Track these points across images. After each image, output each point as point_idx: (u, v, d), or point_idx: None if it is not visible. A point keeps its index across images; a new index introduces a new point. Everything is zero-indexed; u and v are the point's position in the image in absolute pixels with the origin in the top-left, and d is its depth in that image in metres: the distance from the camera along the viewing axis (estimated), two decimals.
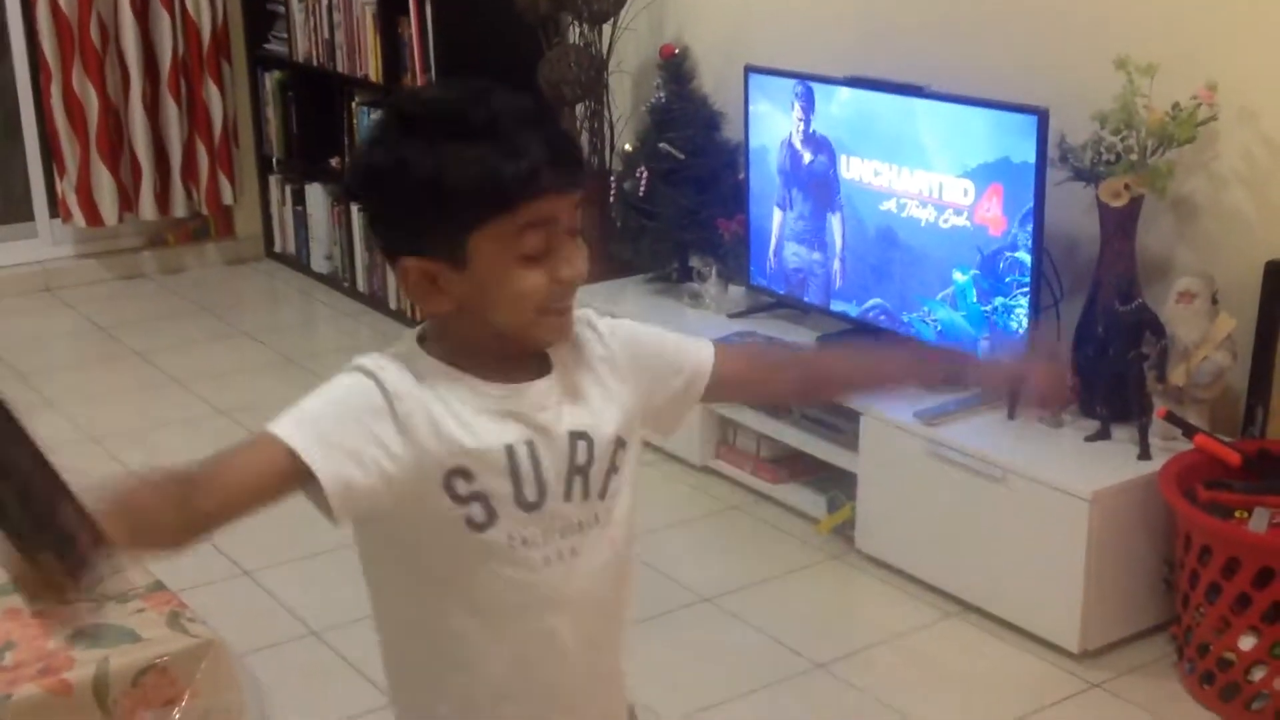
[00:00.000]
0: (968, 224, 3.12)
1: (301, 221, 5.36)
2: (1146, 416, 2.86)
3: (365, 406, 1.28)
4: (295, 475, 1.25)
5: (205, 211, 5.39)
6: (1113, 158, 2.85)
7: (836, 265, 3.50)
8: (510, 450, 1.32)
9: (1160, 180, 2.82)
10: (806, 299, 3.61)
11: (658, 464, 3.74)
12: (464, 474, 1.30)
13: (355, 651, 2.83)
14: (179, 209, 5.32)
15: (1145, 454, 2.83)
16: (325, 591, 3.05)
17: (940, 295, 3.22)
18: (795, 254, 3.61)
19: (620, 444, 1.40)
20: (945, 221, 3.18)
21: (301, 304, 5.25)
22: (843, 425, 3.29)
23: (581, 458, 1.36)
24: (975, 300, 3.14)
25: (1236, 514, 2.64)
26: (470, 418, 1.31)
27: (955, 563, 3.03)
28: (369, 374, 1.30)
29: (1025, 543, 2.86)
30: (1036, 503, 2.82)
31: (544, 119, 1.31)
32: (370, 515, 1.31)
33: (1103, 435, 2.90)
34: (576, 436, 1.36)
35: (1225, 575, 2.55)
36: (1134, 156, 2.83)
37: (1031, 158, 2.92)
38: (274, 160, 5.46)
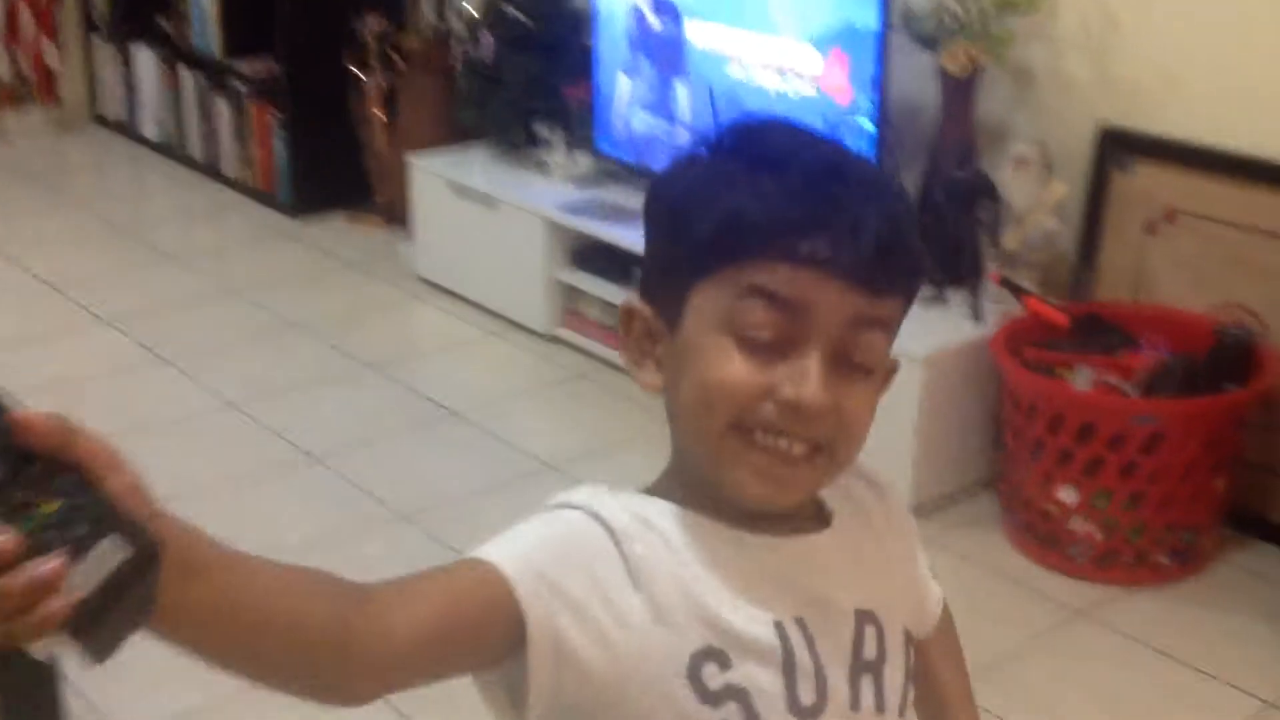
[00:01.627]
0: (812, 90, 3.12)
1: (129, 85, 5.13)
2: (980, 280, 2.92)
3: (589, 547, 0.92)
4: (502, 611, 0.88)
5: (28, 75, 5.13)
6: (955, 25, 2.86)
7: (683, 131, 3.48)
8: (780, 630, 0.95)
9: (1000, 48, 2.85)
10: (653, 165, 3.59)
11: (502, 333, 3.73)
12: (718, 659, 0.92)
13: None
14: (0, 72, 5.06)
15: (978, 317, 2.90)
16: None
17: None
18: (642, 120, 3.58)
19: (909, 643, 1.04)
20: (790, 88, 3.17)
21: (131, 172, 5.06)
22: None
23: (870, 650, 0.99)
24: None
25: (1061, 373, 2.74)
26: (728, 580, 0.94)
27: None
28: (584, 509, 0.94)
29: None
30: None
31: (868, 192, 0.92)
32: (571, 708, 0.91)
33: (938, 299, 2.97)
34: (865, 618, 0.99)
35: (1049, 432, 2.65)
36: (975, 24, 2.85)
37: (874, 23, 2.92)
38: (99, 21, 5.20)
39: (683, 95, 3.45)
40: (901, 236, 0.93)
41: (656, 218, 0.99)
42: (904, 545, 1.09)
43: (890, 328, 0.94)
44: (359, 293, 4.03)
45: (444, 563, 0.92)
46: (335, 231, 4.42)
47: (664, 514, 0.95)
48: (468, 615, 0.88)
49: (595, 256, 3.55)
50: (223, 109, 4.73)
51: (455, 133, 4.04)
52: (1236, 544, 2.80)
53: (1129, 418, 2.57)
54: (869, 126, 3.00)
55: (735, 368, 0.91)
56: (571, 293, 3.63)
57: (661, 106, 3.52)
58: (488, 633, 0.88)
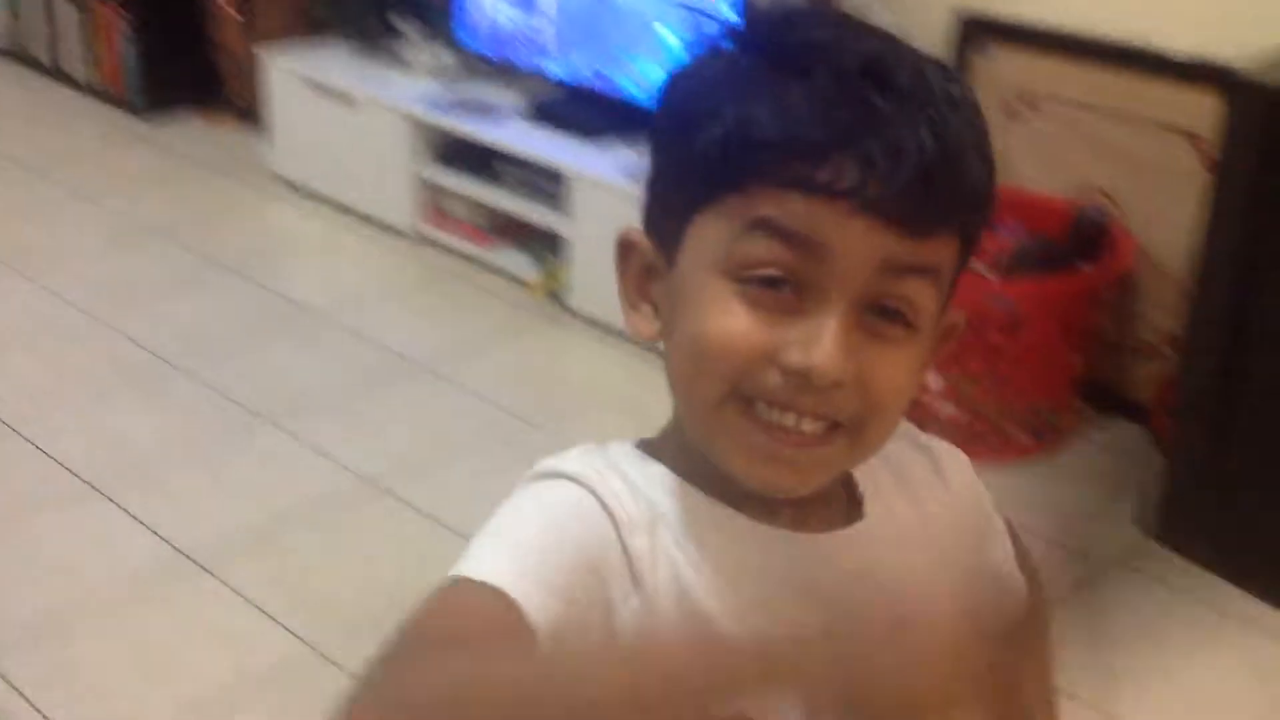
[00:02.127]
0: None
1: None
2: None
3: (593, 540, 0.77)
4: (525, 644, 0.72)
5: None
6: None
7: (546, 25, 3.40)
8: (798, 645, 0.78)
9: None
10: (516, 60, 3.51)
11: (366, 232, 3.65)
12: None
13: None
14: None
15: None
16: None
17: (648, 54, 3.18)
18: (504, 13, 3.49)
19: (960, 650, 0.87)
20: None
21: None
22: (552, 187, 3.26)
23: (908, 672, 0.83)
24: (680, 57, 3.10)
25: None
26: (736, 581, 0.79)
27: None
28: (582, 485, 0.79)
29: None
30: None
31: (917, 102, 0.73)
32: None
33: None
34: (900, 625, 0.83)
35: None
36: None
37: None
38: None
39: None
40: (956, 161, 0.73)
41: (661, 126, 0.80)
42: (968, 531, 0.90)
43: (940, 275, 0.76)
44: (216, 194, 3.91)
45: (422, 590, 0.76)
46: (189, 132, 4.27)
47: (667, 488, 0.80)
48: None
49: (460, 153, 3.47)
50: (66, 8, 4.51)
51: (310, 25, 3.90)
52: (1094, 421, 2.87)
53: (988, 300, 2.60)
54: (731, 15, 2.96)
55: (734, 321, 0.74)
56: (436, 190, 3.56)
57: None
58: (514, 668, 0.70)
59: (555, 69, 3.41)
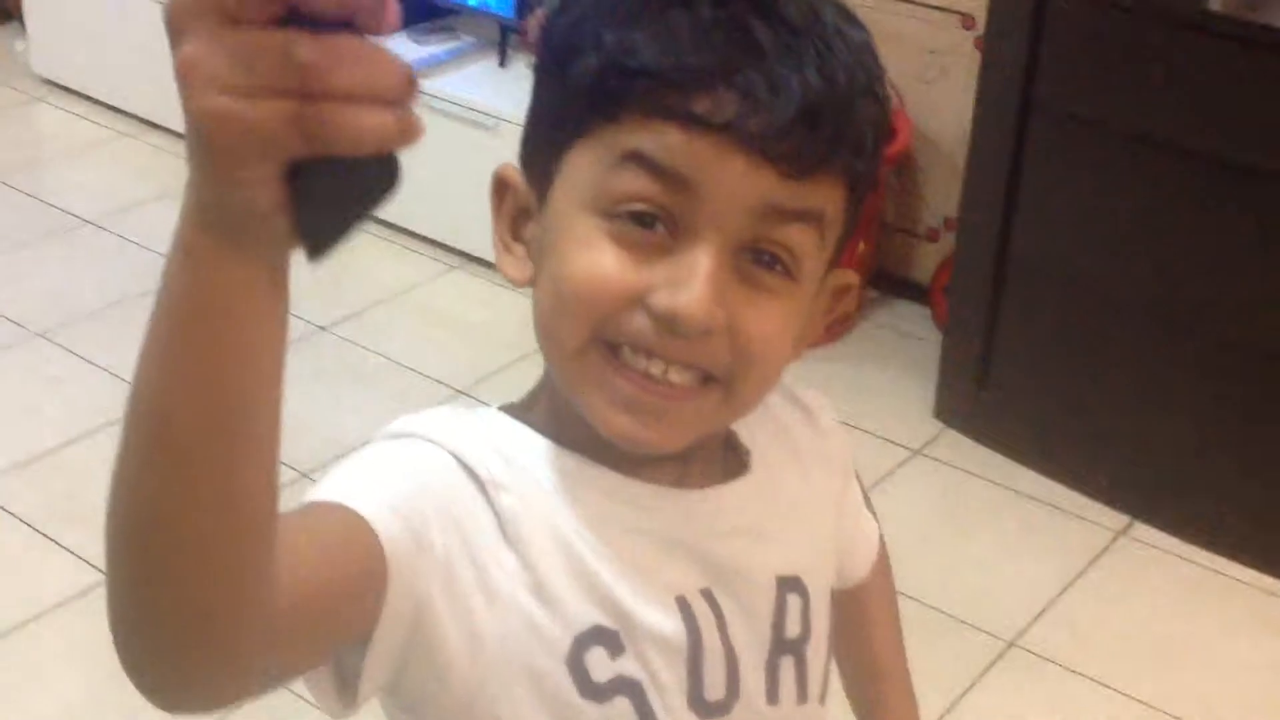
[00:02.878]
0: None
1: None
2: None
3: (453, 493, 0.72)
4: (375, 574, 0.67)
5: None
6: None
7: None
8: (684, 607, 0.76)
9: None
10: None
11: (137, 133, 3.48)
12: (607, 642, 0.74)
13: None
14: None
15: None
16: None
17: None
18: None
19: (831, 607, 0.86)
20: None
21: None
22: None
23: (794, 626, 0.81)
24: None
25: None
26: (619, 544, 0.75)
27: (454, 215, 3.02)
28: (439, 444, 0.73)
29: None
30: None
31: (805, 35, 0.70)
32: (423, 694, 0.72)
33: None
34: (788, 586, 0.81)
35: None
36: None
37: None
38: None
39: None
40: (844, 100, 0.70)
41: (541, 58, 0.77)
42: (836, 479, 0.89)
43: (824, 222, 0.72)
44: None
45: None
46: None
47: (537, 453, 0.75)
48: (347, 578, 0.66)
49: None
50: None
51: None
52: (880, 304, 2.94)
53: None
54: None
55: (600, 259, 0.70)
56: None
57: None
58: (362, 600, 0.66)
59: None
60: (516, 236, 0.77)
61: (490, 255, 2.67)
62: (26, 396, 2.55)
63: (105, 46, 3.50)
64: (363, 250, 3.12)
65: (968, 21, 2.68)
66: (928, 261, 2.91)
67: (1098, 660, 2.10)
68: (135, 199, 3.24)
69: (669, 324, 0.69)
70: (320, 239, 0.51)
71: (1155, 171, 2.19)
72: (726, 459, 0.82)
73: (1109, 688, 2.05)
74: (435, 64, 2.99)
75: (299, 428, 2.45)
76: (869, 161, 0.73)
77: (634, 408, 0.71)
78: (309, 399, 2.57)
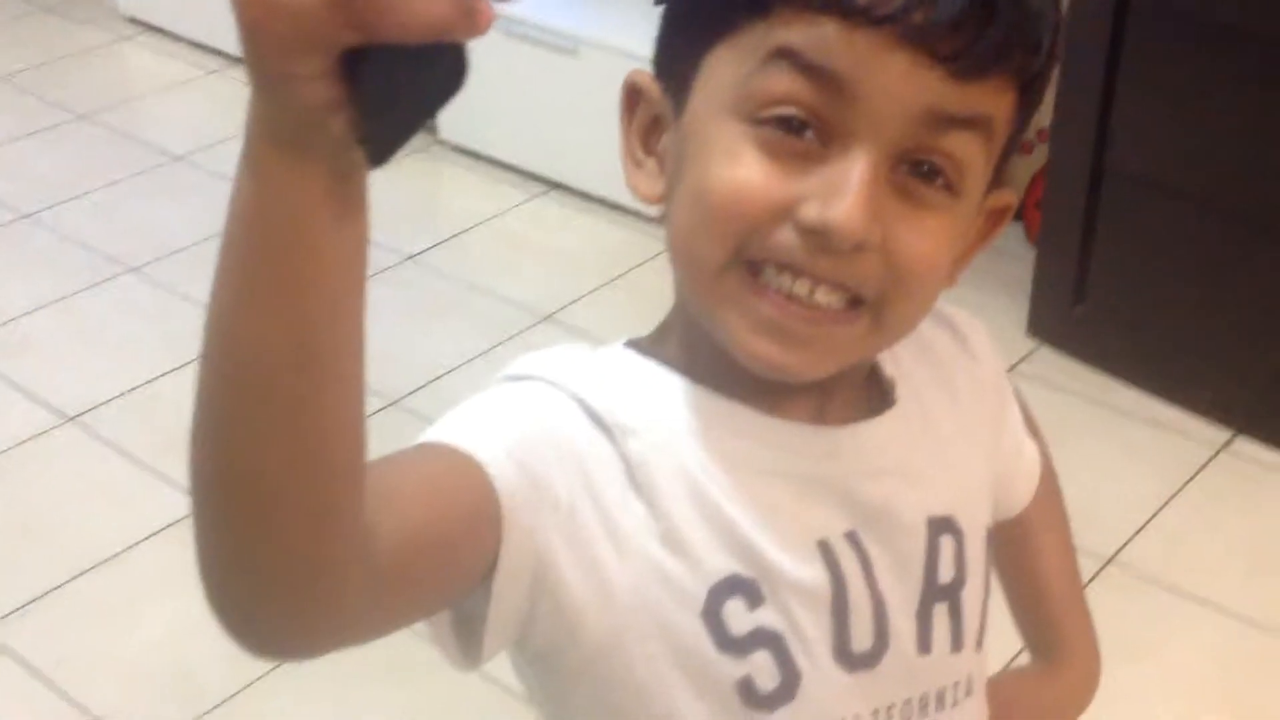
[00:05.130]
0: None
1: None
2: None
3: (577, 438, 0.67)
4: (486, 517, 0.63)
5: None
6: None
7: None
8: (827, 552, 0.71)
9: None
10: None
11: (224, 69, 3.50)
12: (746, 592, 0.68)
13: None
14: None
15: None
16: None
17: None
18: None
19: (989, 546, 0.79)
20: None
21: None
22: None
23: (947, 571, 0.75)
24: None
25: None
26: (757, 486, 0.69)
27: (538, 142, 3.01)
28: (561, 388, 0.69)
29: (602, 114, 2.83)
30: (610, 72, 2.79)
31: None
32: (552, 647, 0.68)
33: None
34: (940, 527, 0.75)
35: None
36: None
37: None
38: None
39: None
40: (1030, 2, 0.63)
41: None
42: (991, 406, 0.82)
43: (992, 130, 0.65)
44: (60, 37, 3.71)
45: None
46: None
47: (667, 391, 0.70)
48: (456, 521, 0.62)
49: None
50: None
51: None
52: None
53: None
54: None
55: (744, 170, 0.63)
56: None
57: None
58: (474, 547, 0.63)
59: None
60: (649, 150, 0.71)
61: (574, 180, 2.65)
62: (123, 329, 2.60)
63: None
64: (445, 177, 3.13)
65: None
66: (1021, 175, 2.85)
67: (1198, 576, 2.06)
68: (223, 134, 3.27)
69: (819, 237, 0.63)
70: (381, 141, 0.48)
71: (1260, 70, 2.11)
72: (870, 391, 0.75)
73: (1210, 603, 2.02)
74: None
75: (385, 356, 2.49)
76: (1045, 61, 0.66)
77: (776, 331, 0.66)
78: (396, 328, 2.59)
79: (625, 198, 2.88)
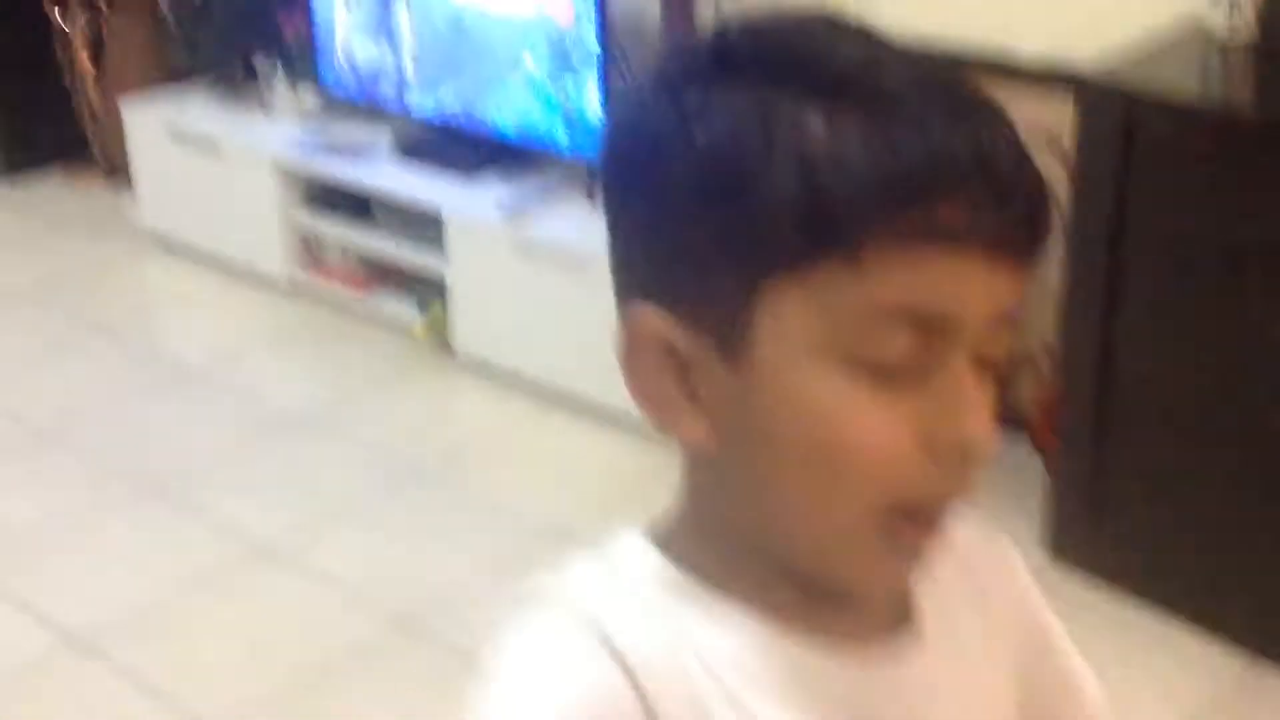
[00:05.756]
0: (535, 14, 3.04)
1: None
2: None
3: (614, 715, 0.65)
4: None
5: None
6: None
7: (407, 60, 3.36)
8: None
9: None
10: (381, 99, 3.46)
11: (240, 283, 3.57)
12: None
13: None
14: None
15: None
16: None
17: (513, 84, 3.15)
18: (364, 50, 3.44)
19: None
20: (514, 13, 3.09)
21: None
22: (429, 228, 3.22)
23: None
24: (549, 89, 3.09)
25: None
26: None
27: (550, 356, 3.05)
28: (596, 637, 0.66)
29: (612, 327, 2.90)
30: None
31: (964, 98, 0.62)
32: None
33: None
34: None
35: None
36: None
37: None
38: None
39: (403, 20, 3.33)
40: (1039, 172, 0.63)
41: (677, 170, 0.62)
42: (1031, 625, 0.80)
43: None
44: (82, 254, 3.81)
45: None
46: (52, 191, 4.15)
47: (701, 612, 0.67)
48: None
49: (330, 197, 3.42)
50: None
51: (170, 75, 3.82)
52: None
53: None
54: (594, 45, 2.95)
55: (873, 420, 0.61)
56: (309, 237, 3.50)
57: (382, 32, 3.39)
58: None
59: (421, 106, 3.37)
60: (678, 389, 0.65)
61: (585, 392, 2.64)
62: (136, 548, 2.60)
63: (207, 201, 3.62)
64: (460, 391, 3.16)
65: (1057, 145, 2.68)
66: (1026, 389, 2.87)
67: None
68: (237, 347, 3.33)
69: (964, 458, 0.62)
70: None
71: (1258, 286, 2.15)
72: (890, 603, 0.72)
73: None
74: (526, 206, 3.05)
75: (404, 575, 2.49)
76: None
77: (904, 553, 0.64)
78: (412, 543, 2.59)
79: (636, 412, 2.90)
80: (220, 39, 3.68)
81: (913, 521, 0.63)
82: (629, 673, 0.65)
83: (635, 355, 0.66)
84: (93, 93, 4.04)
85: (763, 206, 0.60)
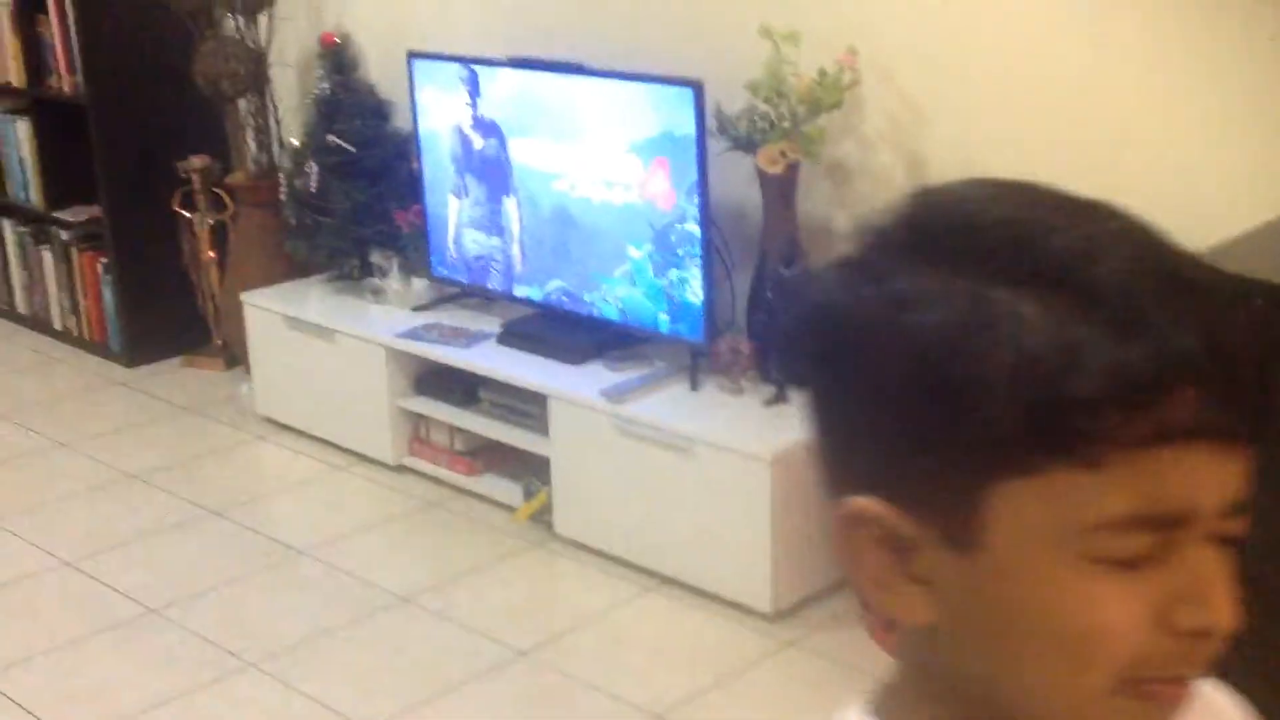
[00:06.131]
0: (638, 199, 3.13)
1: None
2: None
3: None
4: None
5: None
6: (767, 125, 2.91)
7: (516, 250, 3.47)
8: None
9: (812, 145, 2.90)
10: (489, 286, 3.56)
11: (349, 465, 3.64)
12: None
13: None
14: None
15: None
16: None
17: (618, 272, 3.23)
18: (474, 241, 3.56)
19: None
20: (616, 198, 3.18)
21: None
22: (533, 410, 3.27)
23: None
24: (652, 275, 3.16)
25: None
26: None
27: (650, 537, 3.04)
28: None
29: (714, 510, 2.90)
30: (722, 470, 2.87)
31: (1189, 282, 0.61)
32: None
33: (780, 398, 2.97)
34: None
35: None
36: (787, 124, 2.90)
37: (691, 129, 2.95)
38: None
39: (511, 211, 3.45)
40: (1271, 351, 0.61)
41: (877, 364, 0.62)
42: None
43: None
44: (199, 437, 3.91)
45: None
46: (172, 377, 4.30)
47: None
48: None
49: (438, 382, 3.50)
50: (46, 259, 4.60)
51: (289, 268, 3.97)
52: None
53: None
54: (695, 230, 3.02)
55: (1113, 610, 0.60)
56: (417, 420, 3.57)
57: (491, 224, 3.51)
58: None
59: (527, 292, 3.46)
60: (898, 573, 0.65)
61: (685, 576, 2.61)
62: None
63: (318, 386, 3.72)
64: (561, 573, 3.16)
65: None
66: None
67: None
68: (343, 528, 3.37)
69: (1206, 640, 0.62)
70: None
71: None
72: None
73: None
74: (629, 389, 3.09)
75: None
76: None
77: (1150, 712, 0.64)
78: None
79: (737, 595, 2.88)
80: (335, 233, 3.83)
81: (1149, 691, 0.63)
82: None
83: (851, 541, 0.65)
84: (215, 284, 4.22)
85: (990, 407, 0.59)
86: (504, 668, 2.76)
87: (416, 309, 3.69)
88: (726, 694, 2.62)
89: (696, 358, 3.10)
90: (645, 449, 2.99)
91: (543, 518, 3.26)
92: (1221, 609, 0.61)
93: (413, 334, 3.53)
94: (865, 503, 0.64)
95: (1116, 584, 0.60)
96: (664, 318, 3.15)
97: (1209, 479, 0.60)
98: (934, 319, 0.60)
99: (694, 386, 3.08)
